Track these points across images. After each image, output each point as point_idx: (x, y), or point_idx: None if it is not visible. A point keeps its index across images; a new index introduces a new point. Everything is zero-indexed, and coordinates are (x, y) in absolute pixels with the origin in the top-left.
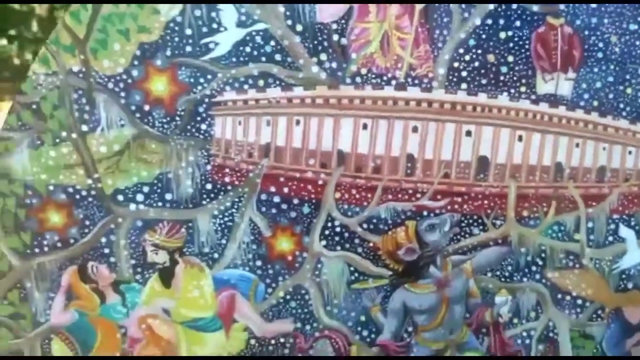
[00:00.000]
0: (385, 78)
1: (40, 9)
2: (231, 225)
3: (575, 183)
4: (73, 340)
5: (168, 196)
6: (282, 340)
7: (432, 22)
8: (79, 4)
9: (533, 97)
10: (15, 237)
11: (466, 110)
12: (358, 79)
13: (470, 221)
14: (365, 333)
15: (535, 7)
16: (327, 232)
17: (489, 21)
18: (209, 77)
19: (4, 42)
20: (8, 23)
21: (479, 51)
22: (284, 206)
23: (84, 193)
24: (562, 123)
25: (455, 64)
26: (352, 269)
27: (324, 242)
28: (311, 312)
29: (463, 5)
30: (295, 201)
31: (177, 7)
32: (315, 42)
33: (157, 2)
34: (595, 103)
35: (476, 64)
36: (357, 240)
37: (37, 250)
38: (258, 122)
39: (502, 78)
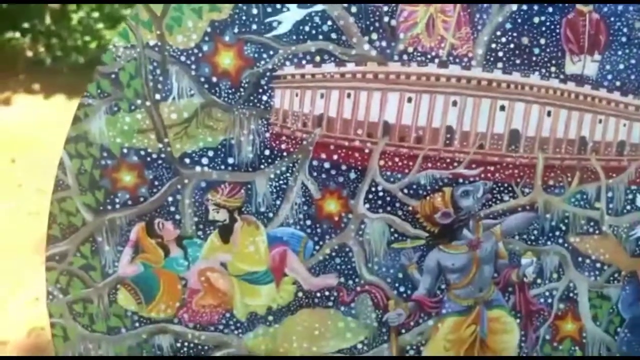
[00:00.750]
0: (429, 56)
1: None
2: (285, 187)
3: (597, 156)
4: (137, 290)
5: (230, 160)
6: (326, 293)
7: (473, 7)
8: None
9: (562, 76)
10: (90, 195)
11: (501, 87)
12: (405, 57)
13: (501, 189)
14: (402, 289)
15: None
16: (370, 196)
17: (524, 7)
18: (271, 52)
19: (17, 34)
20: (22, 16)
21: (514, 34)
22: (333, 172)
23: (154, 156)
24: (587, 101)
25: (493, 45)
26: (392, 230)
27: (367, 205)
28: (354, 268)
29: None
30: (343, 167)
31: None
32: (368, 23)
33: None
34: (618, 83)
35: (511, 45)
36: (397, 204)
37: (109, 207)
38: (313, 95)
39: (534, 59)
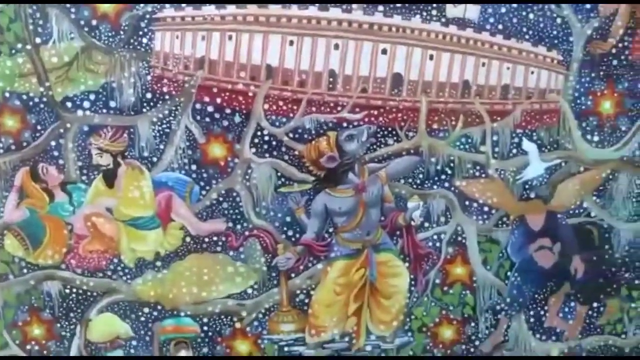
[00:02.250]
0: None
1: None
2: (169, 131)
3: (481, 99)
4: (24, 235)
5: (112, 104)
6: (215, 238)
7: None
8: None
9: (443, 19)
10: None
11: (382, 31)
12: None
13: (385, 132)
14: (290, 233)
15: None
16: (256, 140)
17: None
18: None
19: None
20: None
21: None
22: (217, 115)
23: (36, 100)
24: (470, 44)
25: None
26: (278, 174)
27: (253, 150)
28: (242, 213)
29: None
30: (227, 111)
31: None
32: None
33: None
34: (500, 26)
35: None
36: (283, 149)
37: None
38: (194, 37)
39: (414, 2)
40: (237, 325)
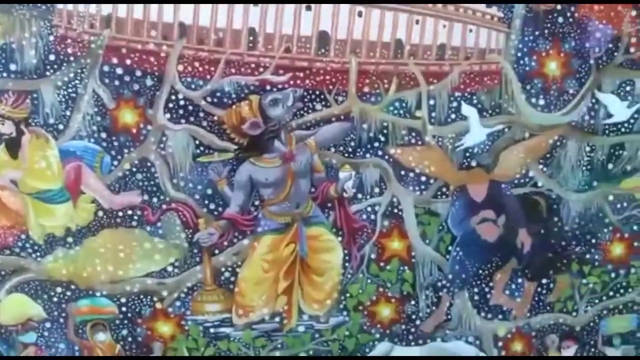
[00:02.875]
0: None
1: None
2: (75, 96)
3: (415, 60)
4: None
5: (12, 67)
6: (130, 212)
7: None
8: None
9: None
10: None
11: None
12: None
13: (313, 96)
14: (212, 206)
15: None
16: (170, 105)
17: None
18: None
19: None
20: None
21: None
22: (127, 78)
23: None
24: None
25: None
26: (197, 142)
27: (168, 115)
28: (158, 184)
29: None
30: (138, 73)
31: None
32: None
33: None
34: None
35: None
36: (201, 114)
37: None
38: None
39: None
40: (158, 305)
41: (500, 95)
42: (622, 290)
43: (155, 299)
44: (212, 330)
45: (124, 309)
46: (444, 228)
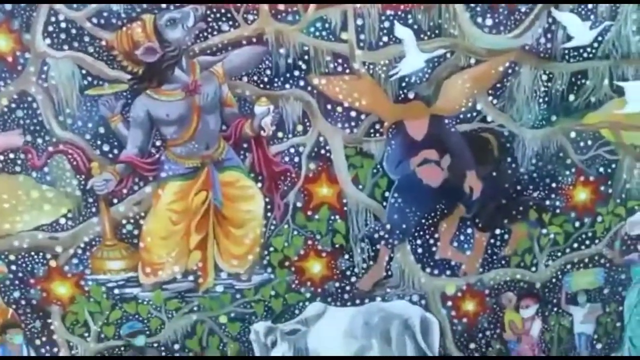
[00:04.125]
0: None
1: None
2: None
3: None
4: None
5: None
6: (11, 155)
7: None
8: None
9: None
10: None
11: None
12: None
13: (218, 15)
14: (106, 148)
15: None
16: (50, 28)
17: None
18: None
19: None
20: None
21: None
22: None
23: None
24: None
25: None
26: (84, 72)
27: (48, 41)
28: (41, 122)
29: None
30: None
31: None
32: None
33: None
34: None
35: None
36: (87, 38)
37: None
38: None
39: None
40: (53, 263)
41: (440, 14)
42: (587, 242)
43: (48, 255)
44: (116, 291)
45: (13, 267)
46: (379, 171)
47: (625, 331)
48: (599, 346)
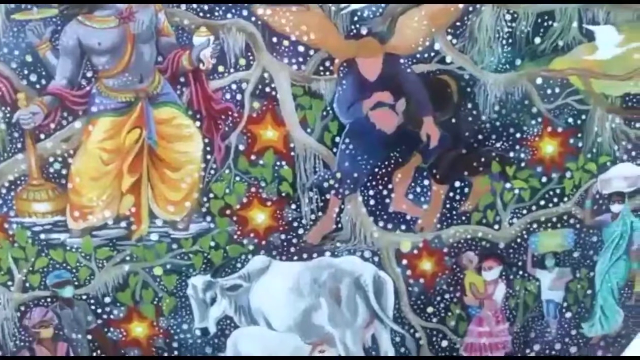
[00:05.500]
0: None
1: None
2: None
3: None
4: None
5: None
6: None
7: None
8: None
9: None
10: None
11: None
12: None
13: None
14: (33, 77)
15: None
16: None
17: None
18: None
19: None
20: None
21: None
22: None
23: None
24: None
25: None
26: None
27: None
28: None
29: None
30: None
31: None
32: None
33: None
34: None
35: None
36: None
37: None
38: None
39: None
40: None
41: None
42: (555, 200)
43: None
44: (42, 236)
45: None
46: (329, 114)
47: (596, 299)
48: (568, 315)
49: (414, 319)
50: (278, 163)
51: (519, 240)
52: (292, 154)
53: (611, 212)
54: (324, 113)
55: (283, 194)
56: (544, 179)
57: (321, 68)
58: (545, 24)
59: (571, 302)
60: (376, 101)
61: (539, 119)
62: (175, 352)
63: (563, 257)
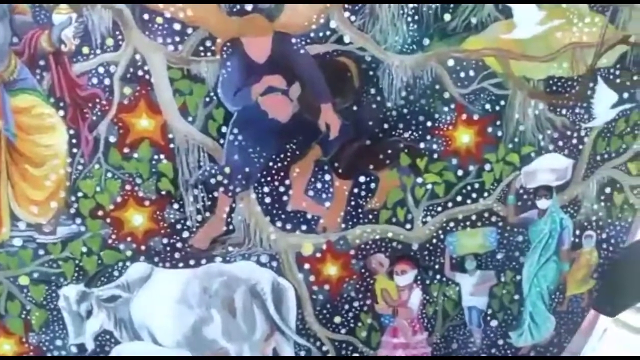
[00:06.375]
0: None
1: None
2: None
3: None
4: None
5: None
6: None
7: None
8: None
9: None
10: None
11: None
12: None
13: None
14: None
15: None
16: None
17: None
18: None
19: None
20: None
21: None
22: None
23: None
24: None
25: None
26: None
27: None
28: None
29: None
30: None
31: None
32: None
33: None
34: None
35: None
36: None
37: None
38: None
39: None
40: None
41: None
42: (474, 195)
43: None
44: None
45: None
46: (212, 100)
47: (524, 305)
48: (493, 323)
49: (319, 330)
50: (156, 157)
51: (434, 240)
52: (172, 146)
53: (537, 209)
54: (207, 99)
55: (163, 193)
56: (459, 173)
57: (201, 48)
58: None
59: (496, 309)
60: (266, 86)
61: (452, 106)
62: None
63: (485, 259)
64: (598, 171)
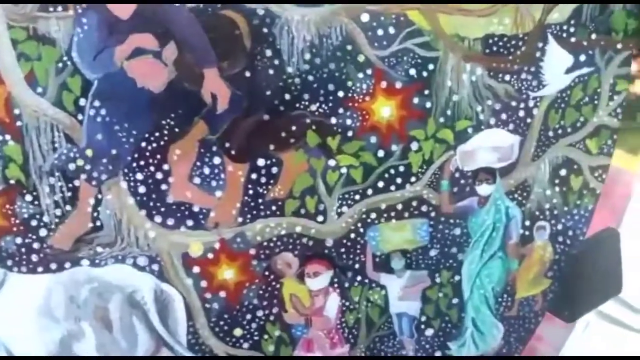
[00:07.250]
0: None
1: None
2: None
3: None
4: None
5: None
6: None
7: None
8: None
9: None
10: None
11: None
12: None
13: None
14: None
15: None
16: None
17: None
18: None
19: None
20: None
21: None
22: None
23: None
24: None
25: None
26: None
27: None
28: None
29: None
30: None
31: None
32: None
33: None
34: None
35: None
36: None
37: None
38: None
39: None
40: None
41: None
42: (398, 180)
43: None
44: None
45: None
46: (67, 66)
47: (465, 311)
48: (429, 332)
49: (216, 345)
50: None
51: (352, 235)
52: (19, 123)
53: (478, 196)
54: (60, 65)
55: (11, 181)
56: (380, 153)
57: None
58: None
59: (432, 316)
60: (134, 47)
61: (369, 71)
62: None
63: (416, 257)
64: (551, 150)
